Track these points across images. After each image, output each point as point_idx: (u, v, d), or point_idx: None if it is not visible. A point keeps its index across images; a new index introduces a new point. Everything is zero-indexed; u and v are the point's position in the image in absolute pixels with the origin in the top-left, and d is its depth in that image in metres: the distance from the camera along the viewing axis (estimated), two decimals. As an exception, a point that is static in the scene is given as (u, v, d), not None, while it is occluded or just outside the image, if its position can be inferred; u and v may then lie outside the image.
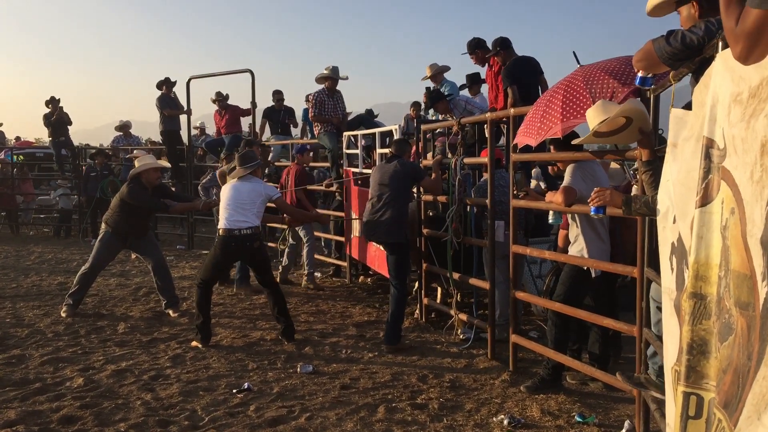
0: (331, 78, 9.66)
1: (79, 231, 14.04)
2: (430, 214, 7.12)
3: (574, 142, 4.23)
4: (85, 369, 5.44)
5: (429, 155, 7.22)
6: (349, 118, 10.30)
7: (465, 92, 9.45)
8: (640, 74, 3.19)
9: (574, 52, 5.09)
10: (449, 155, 6.44)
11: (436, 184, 6.39)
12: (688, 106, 2.52)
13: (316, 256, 10.09)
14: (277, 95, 12.58)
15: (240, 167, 6.49)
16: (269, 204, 6.58)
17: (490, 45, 7.92)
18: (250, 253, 6.32)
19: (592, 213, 3.88)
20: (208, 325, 6.22)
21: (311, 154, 10.83)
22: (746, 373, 1.72)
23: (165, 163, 8.46)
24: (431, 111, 10.15)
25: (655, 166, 3.35)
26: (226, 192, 6.45)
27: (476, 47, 8.05)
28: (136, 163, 7.40)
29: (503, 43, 7.60)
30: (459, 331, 6.32)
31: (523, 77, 7.26)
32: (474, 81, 9.17)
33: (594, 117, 3.61)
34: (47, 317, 7.16)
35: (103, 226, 7.46)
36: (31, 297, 8.21)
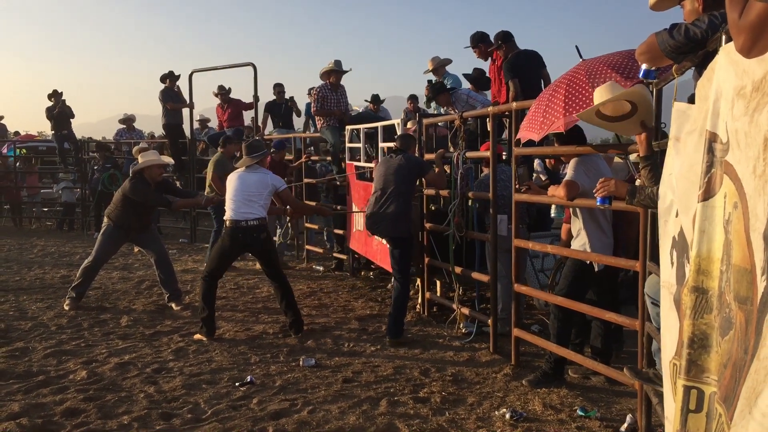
0: (335, 71, 9.65)
1: (83, 224, 14.08)
2: (432, 208, 7.11)
3: (576, 114, 4.17)
4: (88, 362, 5.46)
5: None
6: (352, 115, 10.30)
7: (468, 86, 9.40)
8: (643, 67, 3.18)
9: (576, 47, 5.07)
10: (451, 149, 6.44)
11: (440, 177, 6.39)
12: (692, 100, 2.52)
13: (316, 249, 10.12)
14: (278, 88, 12.57)
15: (247, 156, 6.45)
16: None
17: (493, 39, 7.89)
18: (256, 245, 6.31)
19: (598, 204, 3.88)
20: (213, 319, 6.23)
21: (311, 148, 10.84)
22: (743, 368, 1.72)
23: (168, 159, 8.45)
24: (433, 104, 10.14)
25: (653, 160, 3.34)
26: (232, 182, 6.42)
27: (479, 41, 8.03)
28: (140, 159, 7.40)
29: (505, 37, 7.57)
30: (461, 324, 6.33)
31: (524, 71, 7.23)
32: (480, 81, 9.09)
33: (601, 96, 3.59)
34: (50, 310, 7.18)
35: (105, 220, 7.47)
36: (34, 290, 8.23)
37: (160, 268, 7.40)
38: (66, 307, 7.20)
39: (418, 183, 6.64)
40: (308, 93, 12.05)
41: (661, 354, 3.49)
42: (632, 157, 5.21)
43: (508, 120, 5.97)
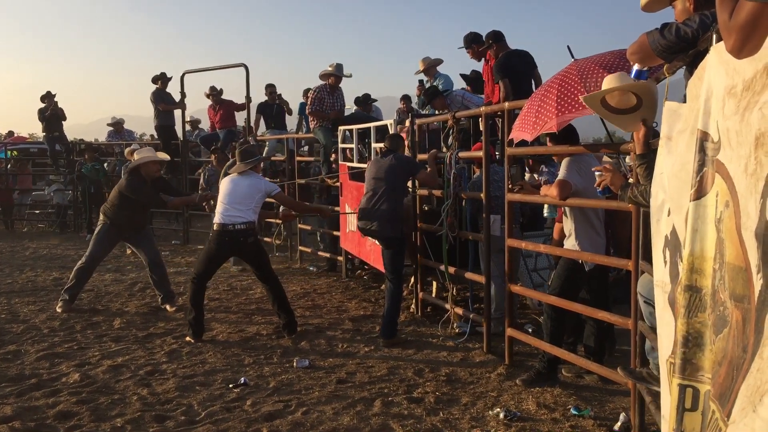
0: (335, 75, 9.66)
1: (74, 226, 14.03)
2: (425, 208, 7.11)
3: (581, 98, 4.15)
4: (81, 364, 5.44)
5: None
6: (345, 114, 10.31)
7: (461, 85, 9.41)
8: (635, 67, 3.19)
9: (568, 47, 5.07)
10: (444, 149, 6.45)
11: (432, 177, 6.39)
12: (684, 99, 2.52)
13: (311, 251, 10.10)
14: (270, 89, 12.55)
15: (240, 162, 6.45)
16: (269, 199, 6.56)
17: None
18: (244, 249, 6.30)
19: (599, 194, 3.91)
20: (201, 321, 6.22)
21: (305, 148, 10.81)
22: (741, 366, 1.72)
23: (164, 155, 8.43)
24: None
25: (649, 158, 3.34)
26: (224, 186, 6.42)
27: (472, 42, 8.03)
28: (135, 156, 7.43)
29: (495, 36, 7.58)
30: (455, 324, 6.33)
31: (515, 71, 7.23)
32: (477, 83, 9.11)
33: (611, 83, 3.59)
34: (42, 313, 7.14)
35: (101, 217, 7.46)
36: (26, 293, 8.19)
37: (154, 269, 7.38)
38: (58, 309, 7.17)
39: (410, 183, 6.64)
40: (304, 93, 12.04)
41: (656, 353, 3.51)
42: (628, 159, 5.22)
43: (500, 120, 5.98)
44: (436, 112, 8.85)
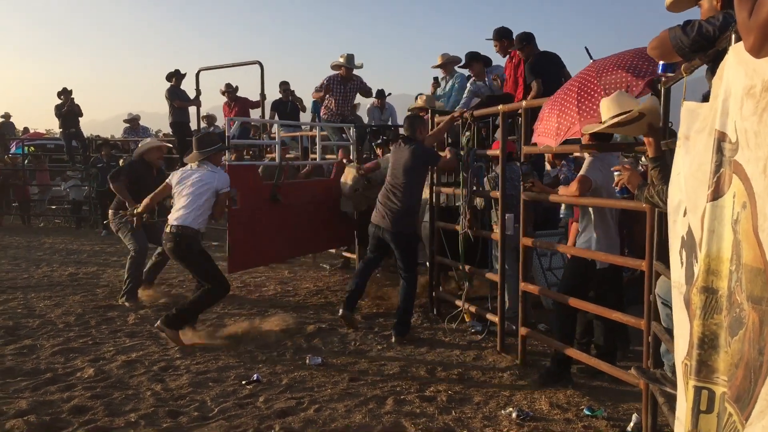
0: (346, 67, 9.66)
1: (90, 222, 14.14)
2: (443, 204, 7.07)
3: (586, 129, 4.18)
4: (95, 359, 5.47)
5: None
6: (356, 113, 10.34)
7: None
8: (662, 62, 3.17)
9: (586, 48, 5.05)
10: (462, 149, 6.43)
11: (450, 162, 6.31)
12: (706, 98, 2.50)
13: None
14: (284, 86, 12.58)
15: (196, 151, 5.99)
16: None
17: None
18: (171, 256, 6.01)
19: (617, 195, 3.91)
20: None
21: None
22: (758, 368, 1.71)
23: (166, 144, 8.79)
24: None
25: (662, 161, 3.33)
26: (173, 180, 6.04)
27: (502, 36, 8.03)
28: (140, 146, 7.86)
29: (527, 38, 7.59)
30: (469, 323, 6.32)
31: (547, 72, 7.24)
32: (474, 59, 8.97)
33: (609, 109, 3.59)
34: (58, 308, 7.20)
35: (112, 212, 7.54)
36: (42, 288, 8.26)
37: (134, 258, 7.40)
38: (127, 304, 7.22)
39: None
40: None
41: (673, 354, 3.48)
42: (643, 158, 5.22)
43: (520, 119, 5.94)
44: (471, 76, 8.73)
